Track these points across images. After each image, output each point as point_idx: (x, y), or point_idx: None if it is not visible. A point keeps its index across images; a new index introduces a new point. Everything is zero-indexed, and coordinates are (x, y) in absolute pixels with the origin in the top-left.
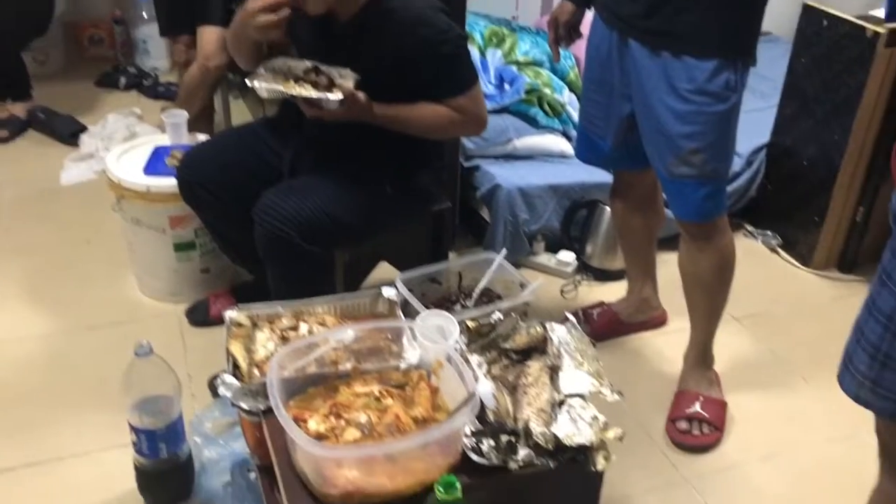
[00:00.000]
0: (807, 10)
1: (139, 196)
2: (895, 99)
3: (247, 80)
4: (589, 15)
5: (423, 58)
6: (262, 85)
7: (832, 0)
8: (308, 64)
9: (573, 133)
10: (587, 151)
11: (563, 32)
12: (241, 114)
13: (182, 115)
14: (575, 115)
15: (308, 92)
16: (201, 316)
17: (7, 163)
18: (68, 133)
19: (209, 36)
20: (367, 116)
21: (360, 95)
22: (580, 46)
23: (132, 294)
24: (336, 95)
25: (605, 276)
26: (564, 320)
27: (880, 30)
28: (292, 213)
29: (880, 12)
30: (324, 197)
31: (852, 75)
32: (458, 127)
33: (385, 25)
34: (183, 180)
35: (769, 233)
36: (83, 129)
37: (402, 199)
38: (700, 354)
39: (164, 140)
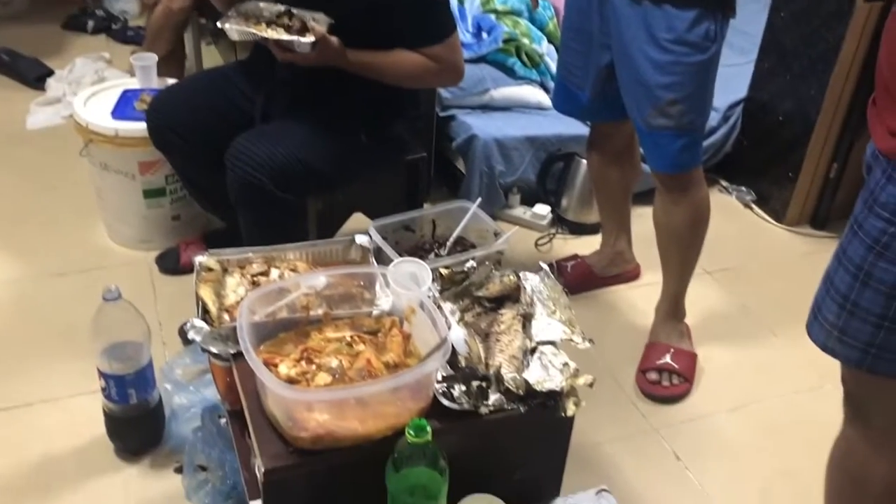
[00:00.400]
0: None
1: (107, 140)
2: (873, 54)
3: (218, 23)
4: None
5: (400, 3)
6: (233, 27)
7: None
8: (281, 7)
9: (551, 84)
10: (565, 102)
11: None
12: (213, 60)
13: (151, 58)
14: (553, 67)
15: (280, 35)
16: (172, 263)
17: None
18: (34, 76)
19: None
20: (339, 62)
21: (333, 39)
22: None
23: (101, 241)
24: (308, 38)
25: (579, 229)
26: (538, 269)
27: None
28: (265, 159)
29: None
30: (297, 143)
31: (831, 30)
32: (434, 76)
33: None
34: (152, 124)
35: (744, 188)
36: (49, 72)
37: (377, 148)
38: (672, 307)
39: (134, 84)
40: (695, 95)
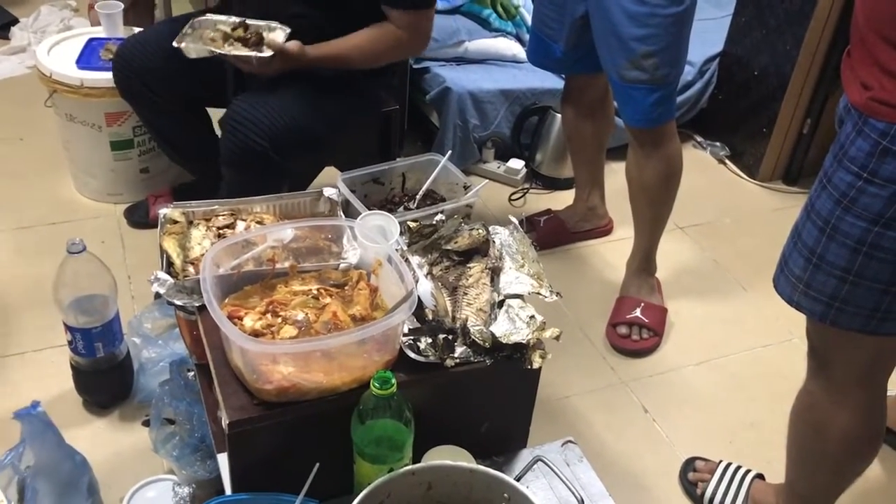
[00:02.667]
0: None
1: (72, 91)
2: (848, 10)
3: (174, 43)
4: None
5: None
6: (189, 45)
7: None
8: (235, 20)
9: (526, 37)
10: (539, 54)
11: None
12: (183, 8)
13: (117, 6)
14: (529, 19)
15: (238, 50)
16: (141, 216)
17: None
18: None
19: None
20: (301, 65)
21: (291, 47)
22: None
23: (69, 194)
24: (266, 53)
25: (553, 184)
26: (508, 223)
27: None
28: (267, 125)
29: None
30: (296, 108)
31: None
32: (401, 49)
33: None
34: (119, 73)
35: (718, 144)
36: (14, 20)
37: (359, 107)
38: (643, 261)
39: (99, 32)
40: (670, 48)
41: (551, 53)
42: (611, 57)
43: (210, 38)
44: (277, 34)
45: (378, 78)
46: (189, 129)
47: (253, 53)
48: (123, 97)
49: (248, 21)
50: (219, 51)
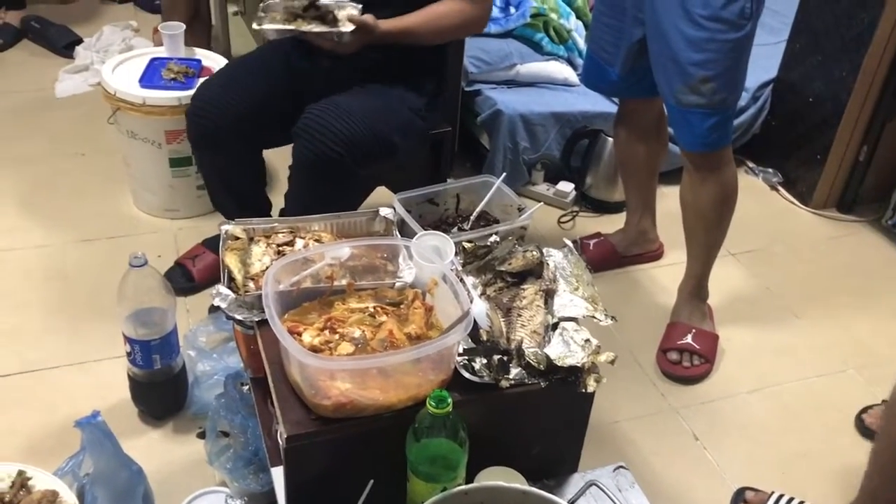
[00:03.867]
0: None
1: (134, 108)
2: None
3: (253, 25)
4: None
5: None
6: (269, 27)
7: None
8: (304, 1)
9: (578, 61)
10: (594, 78)
11: None
12: (240, 29)
13: (179, 27)
14: (581, 43)
15: (320, 27)
16: (183, 282)
17: (1, 73)
18: (63, 44)
19: None
20: (378, 39)
21: (369, 19)
22: None
23: (128, 209)
24: (347, 28)
25: (603, 207)
26: (562, 246)
27: None
28: (343, 133)
29: None
30: (371, 115)
31: (865, 10)
32: (465, 25)
33: None
34: (197, 129)
35: (770, 170)
36: (78, 40)
37: (427, 116)
38: (695, 287)
39: (161, 52)
40: (728, 73)
41: (606, 77)
42: (668, 81)
43: (283, 19)
44: (349, 10)
45: (434, 76)
46: (254, 178)
47: (334, 30)
48: (195, 149)
49: (318, 1)
50: (301, 29)
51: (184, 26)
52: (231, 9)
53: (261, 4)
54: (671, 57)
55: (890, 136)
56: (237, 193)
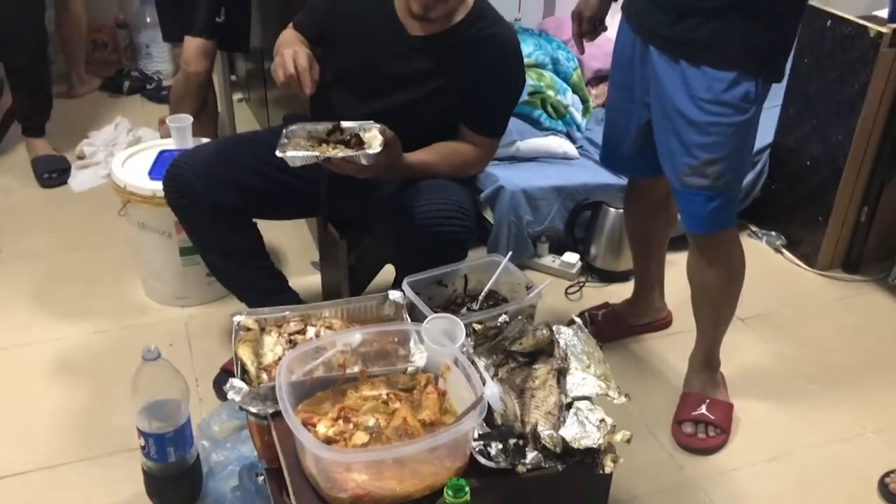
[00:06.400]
0: (810, 10)
1: (145, 200)
2: None
3: (277, 153)
4: (611, 22)
5: (496, 91)
6: (294, 154)
7: (835, 0)
8: (329, 124)
9: (577, 135)
10: (610, 156)
11: (588, 27)
12: (244, 115)
13: (186, 119)
14: (578, 117)
15: (346, 151)
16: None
17: (17, 168)
18: (43, 174)
19: (189, 44)
20: (399, 166)
21: (396, 145)
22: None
23: (138, 298)
24: (374, 149)
25: (609, 277)
26: (571, 323)
27: (883, 30)
28: (457, 209)
29: (883, 12)
30: (456, 190)
31: (856, 75)
32: (476, 165)
33: (477, 49)
34: (172, 179)
35: (773, 233)
36: (68, 167)
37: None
38: (706, 357)
39: (170, 144)
40: (732, 156)
41: (620, 155)
42: (672, 163)
43: (308, 145)
44: (374, 134)
45: None
46: (241, 240)
47: (360, 152)
48: (171, 204)
49: (343, 124)
50: (325, 154)
51: (191, 119)
52: (236, 96)
53: (283, 131)
54: (676, 139)
55: (889, 196)
56: (236, 262)
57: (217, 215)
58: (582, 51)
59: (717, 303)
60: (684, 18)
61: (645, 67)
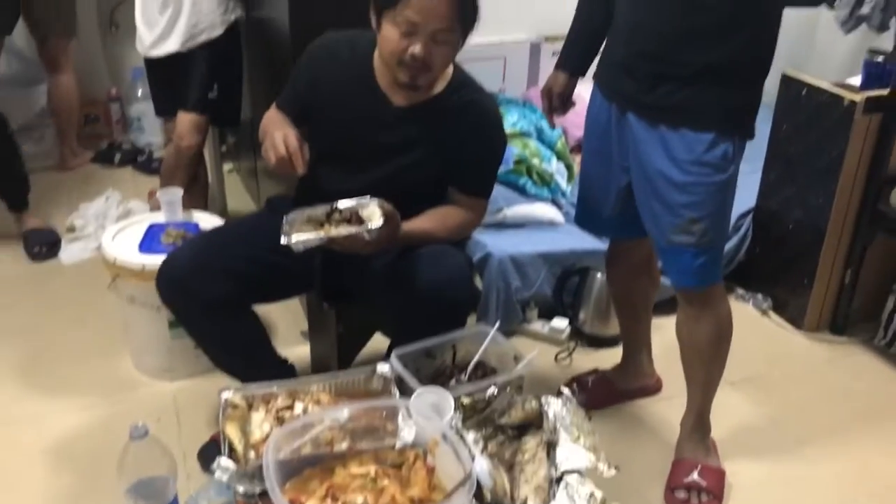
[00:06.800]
0: (786, 79)
1: (134, 275)
2: (876, 163)
3: (282, 241)
4: (581, 87)
5: (481, 153)
6: (297, 239)
7: (810, 67)
8: (326, 207)
9: (562, 201)
10: (586, 219)
11: (558, 102)
12: (235, 186)
13: (177, 193)
14: (563, 184)
15: (349, 229)
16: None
17: (7, 242)
18: (34, 248)
19: (183, 119)
20: (399, 237)
21: (396, 214)
22: (567, 117)
23: (127, 372)
24: (376, 223)
25: (598, 342)
26: (559, 394)
27: (857, 98)
28: (460, 274)
29: (857, 80)
30: (454, 253)
31: (832, 142)
32: (466, 228)
33: (459, 116)
34: (165, 277)
35: (760, 296)
36: (54, 242)
37: None
38: (697, 422)
39: (160, 218)
40: (715, 214)
41: (598, 218)
42: (657, 223)
43: (310, 228)
44: (373, 209)
45: None
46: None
47: (363, 228)
48: (165, 301)
49: (339, 204)
50: (329, 235)
51: (181, 192)
52: (226, 166)
53: (284, 219)
54: (659, 200)
55: (872, 258)
56: (241, 353)
57: (215, 309)
58: (553, 125)
59: (706, 360)
60: (659, 85)
61: (622, 133)
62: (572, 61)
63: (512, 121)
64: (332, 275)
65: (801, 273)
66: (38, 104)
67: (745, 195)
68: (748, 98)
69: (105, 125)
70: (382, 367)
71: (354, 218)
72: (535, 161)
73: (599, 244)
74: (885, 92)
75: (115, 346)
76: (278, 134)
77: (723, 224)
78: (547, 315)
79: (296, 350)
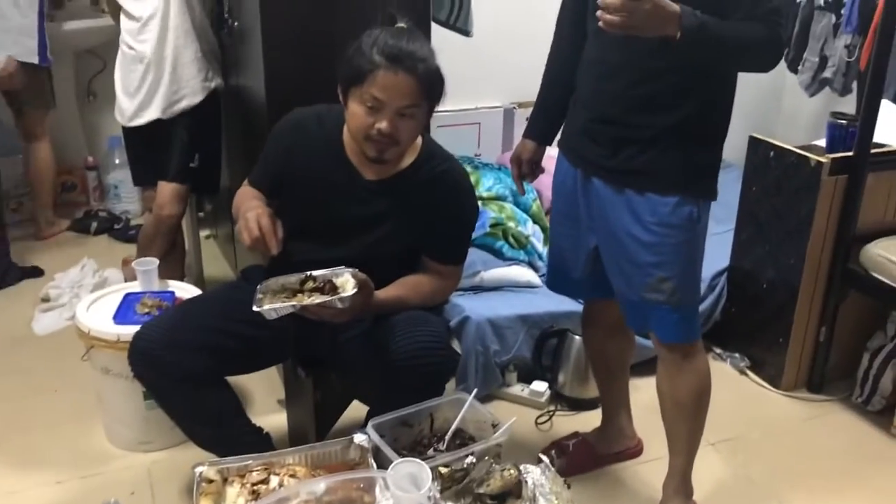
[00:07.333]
0: (753, 141)
1: (109, 345)
2: (844, 223)
3: (254, 308)
4: (550, 151)
5: (453, 222)
6: (271, 306)
7: (779, 129)
8: (301, 275)
9: (539, 264)
10: (557, 281)
11: (527, 169)
12: (212, 253)
13: (153, 262)
14: (539, 246)
15: (321, 298)
16: None
17: None
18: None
19: (164, 189)
20: (373, 305)
21: (369, 282)
22: (541, 180)
23: (100, 444)
24: (349, 291)
25: (578, 405)
26: (538, 461)
27: (823, 159)
28: (437, 341)
29: (823, 142)
30: (437, 319)
31: (801, 202)
32: (440, 294)
33: (430, 187)
34: (136, 351)
35: (737, 355)
36: (35, 272)
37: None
38: (680, 483)
39: (136, 287)
40: (684, 273)
41: (569, 280)
42: (628, 282)
43: (283, 297)
44: (346, 277)
45: None
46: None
47: (336, 296)
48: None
49: (314, 273)
50: (302, 303)
51: (157, 261)
52: (203, 232)
53: (258, 287)
54: (629, 260)
55: (845, 316)
56: (215, 425)
57: (189, 382)
58: (522, 192)
59: (687, 414)
60: (622, 149)
61: (588, 197)
62: (539, 130)
63: (487, 185)
64: (306, 343)
65: (776, 332)
66: (15, 173)
67: (720, 255)
68: (708, 160)
69: (81, 193)
70: (359, 438)
71: (328, 286)
72: (511, 224)
73: (577, 306)
74: (849, 153)
75: (89, 417)
76: (251, 214)
77: (692, 283)
78: (526, 378)
79: (273, 419)
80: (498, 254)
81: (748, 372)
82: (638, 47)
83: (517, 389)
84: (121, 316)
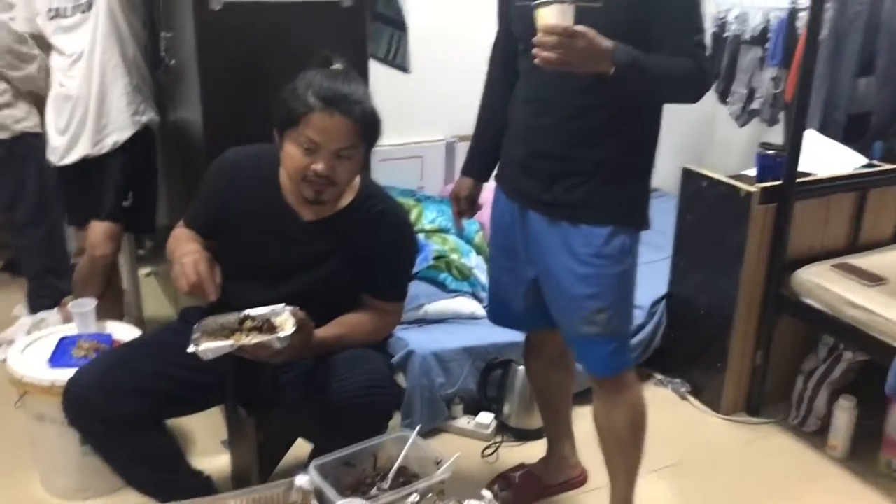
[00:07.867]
0: (686, 172)
1: (43, 391)
2: (775, 250)
3: (189, 348)
4: (489, 186)
5: (393, 261)
6: (207, 346)
7: (712, 159)
8: (238, 315)
9: (482, 295)
10: (499, 314)
11: (465, 206)
12: (152, 290)
13: (89, 304)
14: (483, 278)
15: (259, 337)
16: None
17: None
18: None
19: (96, 228)
20: (312, 345)
21: (309, 325)
22: (485, 213)
23: (36, 493)
24: (287, 331)
25: (524, 435)
26: (481, 498)
27: (753, 189)
28: (379, 379)
29: (753, 171)
30: (372, 356)
31: (734, 231)
32: (382, 331)
33: (369, 226)
34: (70, 399)
35: (678, 380)
36: None
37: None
38: None
39: (71, 330)
40: (619, 303)
41: (510, 312)
42: (565, 315)
43: (221, 336)
44: (285, 317)
45: None
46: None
47: (274, 336)
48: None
49: (251, 312)
50: (239, 343)
51: (94, 302)
52: (143, 270)
53: (194, 327)
54: (564, 293)
55: (780, 340)
56: (153, 470)
57: (125, 427)
58: (461, 228)
59: (625, 446)
60: (557, 183)
61: (526, 230)
62: (476, 168)
63: (430, 217)
64: (247, 384)
65: (714, 357)
66: None
67: (658, 282)
68: (640, 191)
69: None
70: (301, 480)
71: (266, 326)
72: (455, 256)
73: (521, 336)
74: (778, 182)
75: (24, 467)
76: (188, 259)
77: (626, 312)
78: (473, 410)
79: (216, 460)
80: (442, 286)
81: (689, 397)
82: (571, 84)
83: (463, 422)
84: (56, 359)
